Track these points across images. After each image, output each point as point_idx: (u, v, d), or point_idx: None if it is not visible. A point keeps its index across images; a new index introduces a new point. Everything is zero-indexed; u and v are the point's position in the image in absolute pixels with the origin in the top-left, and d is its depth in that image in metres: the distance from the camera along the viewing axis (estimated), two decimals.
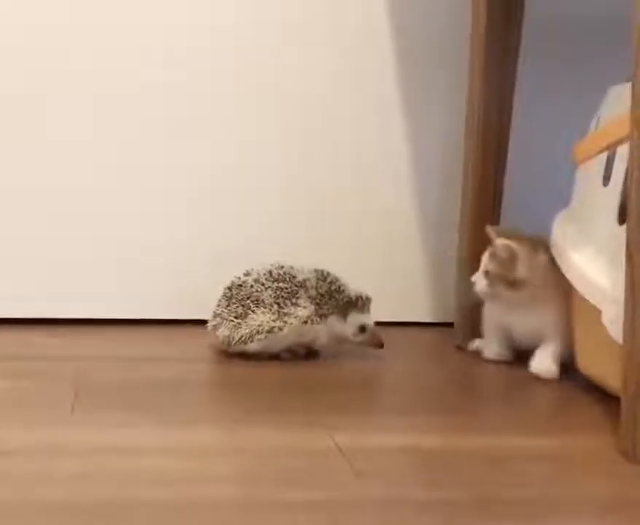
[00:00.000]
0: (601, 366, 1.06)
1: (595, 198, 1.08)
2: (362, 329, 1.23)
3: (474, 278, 1.23)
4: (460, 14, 1.36)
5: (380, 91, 1.44)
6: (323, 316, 1.21)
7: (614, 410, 0.91)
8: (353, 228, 1.45)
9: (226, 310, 1.22)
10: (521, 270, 1.19)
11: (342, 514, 0.75)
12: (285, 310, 1.20)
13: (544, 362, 1.19)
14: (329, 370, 1.20)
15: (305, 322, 1.21)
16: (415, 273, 1.47)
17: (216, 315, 1.23)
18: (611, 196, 1.03)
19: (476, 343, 1.30)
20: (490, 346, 1.27)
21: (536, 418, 1.03)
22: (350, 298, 1.23)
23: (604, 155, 1.06)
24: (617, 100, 1.03)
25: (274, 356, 1.21)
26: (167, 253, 1.41)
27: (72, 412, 0.97)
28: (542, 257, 1.19)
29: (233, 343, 1.21)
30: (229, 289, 1.23)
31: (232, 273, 1.24)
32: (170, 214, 1.41)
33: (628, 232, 0.88)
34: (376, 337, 1.23)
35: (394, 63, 1.43)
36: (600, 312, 0.99)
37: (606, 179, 1.05)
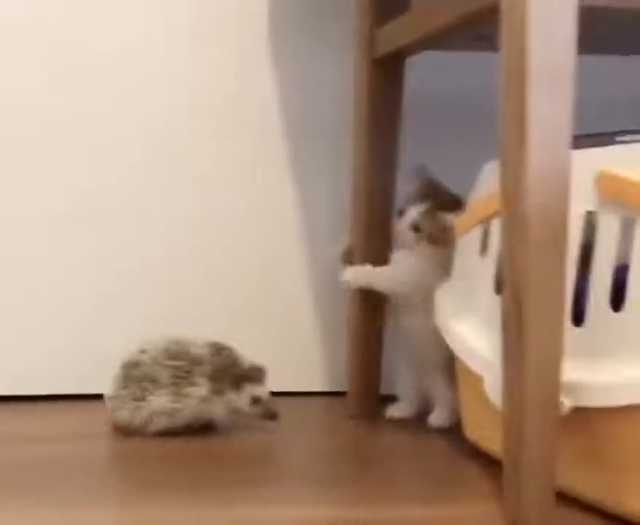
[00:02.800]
0: (486, 433, 1.09)
1: (474, 268, 1.12)
2: (256, 400, 1.23)
3: (399, 228, 1.28)
4: (344, 87, 1.39)
5: (268, 162, 1.47)
6: (219, 393, 1.21)
7: (501, 476, 0.93)
8: (245, 298, 1.46)
9: (124, 392, 1.21)
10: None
11: None
12: (182, 391, 1.20)
13: (441, 416, 1.28)
14: (225, 443, 1.20)
15: (203, 401, 1.20)
16: (308, 342, 1.49)
17: (114, 396, 1.22)
18: (488, 266, 1.07)
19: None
20: (398, 404, 1.33)
21: (427, 487, 1.05)
22: (244, 370, 1.23)
23: (481, 227, 1.11)
24: (490, 176, 1.08)
25: (171, 431, 1.21)
26: (64, 328, 1.41)
27: None
28: None
29: (133, 426, 1.20)
30: (126, 367, 1.23)
31: (133, 345, 1.24)
32: (59, 288, 1.41)
33: (503, 302, 0.91)
34: (270, 409, 1.24)
35: (282, 135, 1.47)
36: (482, 379, 1.03)
37: (483, 250, 1.10)
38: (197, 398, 1.20)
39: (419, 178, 1.29)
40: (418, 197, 1.28)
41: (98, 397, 1.26)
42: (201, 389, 1.21)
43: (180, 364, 1.21)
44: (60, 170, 1.42)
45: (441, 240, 1.24)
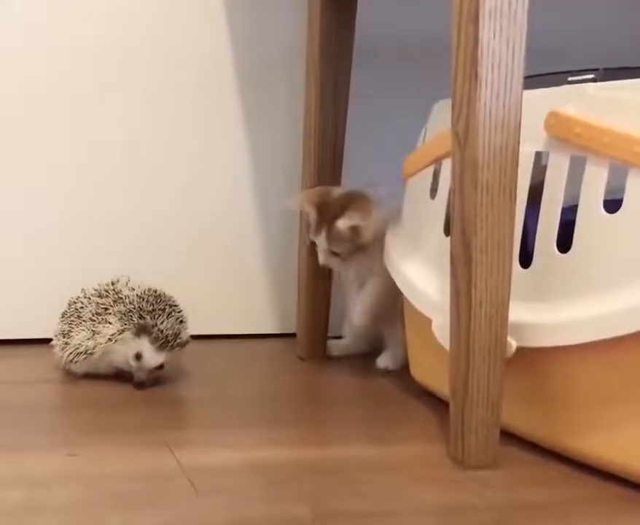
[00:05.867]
0: (433, 374, 1.10)
1: (424, 210, 1.11)
2: (137, 357, 1.15)
3: (322, 261, 1.24)
4: (299, 26, 1.37)
5: (222, 101, 1.44)
6: (122, 333, 1.15)
7: (447, 417, 0.94)
8: (193, 240, 1.44)
9: (58, 328, 1.19)
10: (367, 235, 1.21)
11: None
12: (96, 328, 1.16)
13: (389, 357, 1.27)
14: (168, 386, 1.18)
15: (110, 340, 1.15)
16: (257, 284, 1.48)
17: (55, 335, 1.20)
18: (438, 208, 1.07)
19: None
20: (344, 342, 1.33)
21: (374, 429, 1.06)
22: (146, 322, 1.15)
23: (431, 168, 1.10)
24: (441, 115, 1.07)
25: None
26: (13, 272, 1.38)
27: None
28: (375, 212, 1.21)
29: (63, 363, 1.18)
30: (67, 306, 1.21)
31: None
32: (12, 232, 1.38)
33: (452, 244, 0.91)
34: (140, 375, 1.15)
35: (236, 75, 1.44)
36: (430, 321, 1.03)
37: (433, 191, 1.09)
38: (105, 336, 1.15)
39: (312, 207, 1.25)
40: (316, 223, 1.24)
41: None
42: (110, 327, 1.15)
43: (102, 301, 1.17)
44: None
45: (358, 244, 1.22)
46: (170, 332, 1.15)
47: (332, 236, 1.22)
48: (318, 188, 1.27)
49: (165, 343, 1.15)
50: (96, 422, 1.04)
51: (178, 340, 1.16)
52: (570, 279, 0.90)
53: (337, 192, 1.25)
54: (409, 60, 1.46)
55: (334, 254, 1.24)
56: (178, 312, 1.18)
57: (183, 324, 1.18)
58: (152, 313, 1.16)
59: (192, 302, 1.21)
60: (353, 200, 1.22)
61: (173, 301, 1.19)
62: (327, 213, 1.22)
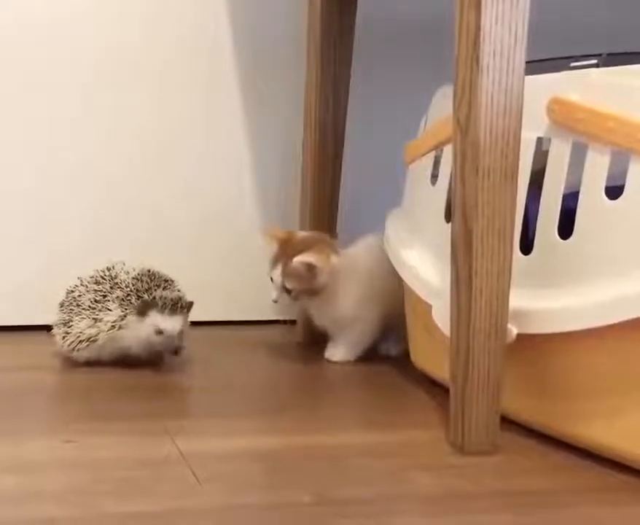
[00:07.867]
0: (434, 360, 1.10)
1: (425, 197, 1.11)
2: (159, 331, 1.16)
3: (275, 297, 1.24)
4: (299, 16, 1.37)
5: (222, 95, 1.44)
6: (124, 318, 1.16)
7: (447, 403, 0.94)
8: (196, 227, 1.45)
9: (58, 317, 1.19)
10: (321, 279, 1.22)
11: (185, 524, 0.75)
12: (97, 315, 1.16)
13: (337, 350, 1.27)
14: (169, 373, 1.18)
15: (114, 327, 1.15)
16: (258, 271, 1.47)
17: (54, 324, 1.20)
18: (439, 195, 1.06)
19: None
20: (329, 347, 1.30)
21: (373, 414, 1.06)
22: (148, 298, 1.15)
23: (432, 155, 1.10)
24: (443, 101, 1.07)
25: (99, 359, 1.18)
26: (12, 258, 1.38)
27: None
28: (334, 259, 1.23)
29: (65, 351, 1.18)
30: (66, 294, 1.20)
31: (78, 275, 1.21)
32: (11, 218, 1.38)
33: (453, 230, 0.91)
34: (171, 343, 1.16)
35: (237, 63, 1.44)
36: (431, 307, 1.03)
37: (434, 177, 1.09)
38: (108, 323, 1.15)
39: (276, 241, 1.25)
40: (275, 257, 1.24)
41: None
42: (110, 313, 1.16)
43: (100, 288, 1.17)
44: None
45: (311, 286, 1.22)
46: (173, 295, 1.16)
47: (287, 271, 1.22)
48: (286, 229, 1.28)
49: (174, 305, 1.16)
50: (96, 409, 1.04)
51: (184, 302, 1.17)
52: (571, 266, 0.89)
53: (302, 234, 1.27)
54: (410, 47, 1.46)
55: (287, 291, 1.23)
56: (175, 287, 1.19)
57: (181, 292, 1.19)
58: (148, 291, 1.16)
59: (193, 289, 1.21)
60: (315, 243, 1.23)
61: (168, 277, 1.20)
62: (288, 249, 1.23)
